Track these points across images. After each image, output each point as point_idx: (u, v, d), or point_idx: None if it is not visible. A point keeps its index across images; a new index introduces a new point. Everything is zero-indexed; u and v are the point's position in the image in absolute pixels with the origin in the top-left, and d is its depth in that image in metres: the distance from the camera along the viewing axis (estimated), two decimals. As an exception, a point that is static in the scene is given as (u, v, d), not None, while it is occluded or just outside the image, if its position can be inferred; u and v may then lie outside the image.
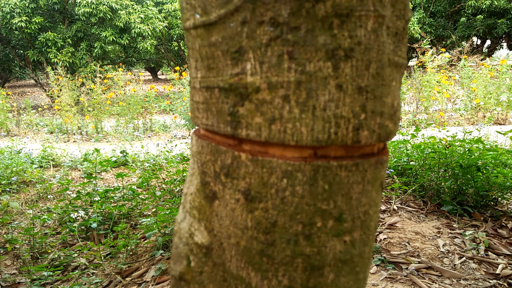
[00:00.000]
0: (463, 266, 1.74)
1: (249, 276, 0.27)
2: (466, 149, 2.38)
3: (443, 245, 1.92)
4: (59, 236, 2.29)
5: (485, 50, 15.37)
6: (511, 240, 1.97)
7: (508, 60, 6.87)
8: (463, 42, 13.05)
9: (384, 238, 2.01)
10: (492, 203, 2.35)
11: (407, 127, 5.35)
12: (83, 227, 2.26)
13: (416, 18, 13.06)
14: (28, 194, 3.00)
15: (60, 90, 7.18)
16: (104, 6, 10.19)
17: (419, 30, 11.93)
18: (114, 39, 10.59)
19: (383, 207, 2.42)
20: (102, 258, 1.93)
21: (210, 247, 0.29)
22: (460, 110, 6.42)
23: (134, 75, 10.36)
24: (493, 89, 6.01)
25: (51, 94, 7.94)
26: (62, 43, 10.27)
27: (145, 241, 2.06)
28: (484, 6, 12.42)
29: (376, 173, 0.27)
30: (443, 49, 8.14)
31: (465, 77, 6.60)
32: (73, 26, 10.72)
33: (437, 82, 6.28)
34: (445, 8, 13.99)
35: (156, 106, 7.94)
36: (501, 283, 1.60)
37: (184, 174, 2.59)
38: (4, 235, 2.22)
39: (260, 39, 0.24)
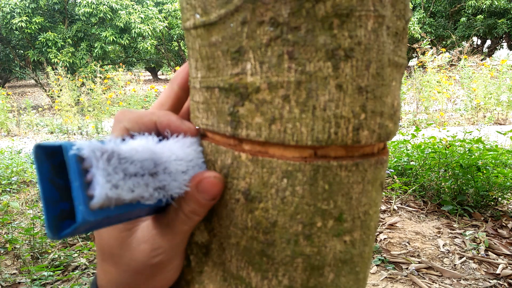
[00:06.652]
0: (463, 266, 1.74)
1: (249, 276, 0.27)
2: (466, 149, 2.38)
3: (443, 245, 1.92)
4: (59, 236, 2.28)
5: (485, 50, 15.36)
6: (511, 240, 1.97)
7: (508, 60, 6.86)
8: (463, 42, 13.03)
9: (384, 238, 2.01)
10: (492, 203, 2.35)
11: (407, 127, 5.34)
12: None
13: (416, 18, 13.05)
14: (28, 194, 3.00)
15: (60, 90, 7.18)
16: (104, 6, 10.19)
17: (419, 30, 11.92)
18: (114, 39, 10.59)
19: (383, 207, 2.42)
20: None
21: (210, 247, 0.29)
22: (460, 110, 6.42)
23: (134, 75, 10.37)
24: (493, 89, 6.00)
25: (51, 94, 7.95)
26: (62, 43, 10.27)
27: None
28: (484, 6, 12.41)
29: (376, 173, 0.27)
30: (443, 49, 8.13)
31: (465, 77, 6.59)
32: (73, 26, 10.72)
33: (437, 82, 6.27)
34: (445, 8, 13.98)
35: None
36: (501, 283, 1.60)
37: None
38: (4, 235, 2.22)
39: (260, 39, 0.24)
